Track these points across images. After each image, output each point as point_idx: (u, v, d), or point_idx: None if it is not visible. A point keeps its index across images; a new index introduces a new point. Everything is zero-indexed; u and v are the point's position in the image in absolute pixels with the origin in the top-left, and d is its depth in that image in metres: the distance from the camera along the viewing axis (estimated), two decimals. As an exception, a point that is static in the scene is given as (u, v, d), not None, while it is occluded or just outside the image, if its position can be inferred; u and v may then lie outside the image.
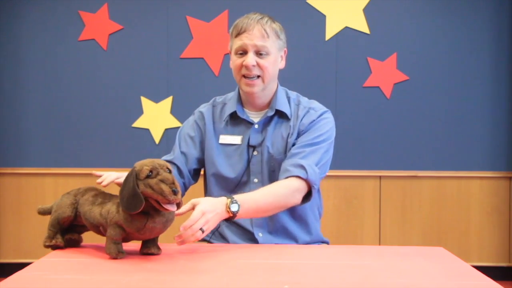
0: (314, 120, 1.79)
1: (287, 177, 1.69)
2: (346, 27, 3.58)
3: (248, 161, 1.79)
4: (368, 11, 3.58)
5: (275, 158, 1.78)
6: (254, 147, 1.79)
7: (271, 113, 1.80)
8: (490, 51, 3.59)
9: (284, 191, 1.67)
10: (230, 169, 1.80)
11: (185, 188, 1.87)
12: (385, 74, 3.58)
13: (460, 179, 3.60)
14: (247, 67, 1.73)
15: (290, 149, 1.77)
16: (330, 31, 3.58)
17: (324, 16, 3.58)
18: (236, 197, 1.57)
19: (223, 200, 1.55)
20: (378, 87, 3.59)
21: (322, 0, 3.58)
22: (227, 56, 3.57)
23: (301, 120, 1.80)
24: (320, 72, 3.59)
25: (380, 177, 3.60)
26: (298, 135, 1.79)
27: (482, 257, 3.59)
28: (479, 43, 3.59)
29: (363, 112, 3.59)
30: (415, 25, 3.59)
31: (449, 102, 3.59)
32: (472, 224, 3.60)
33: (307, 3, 3.57)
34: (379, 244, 3.56)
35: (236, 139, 1.81)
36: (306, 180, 1.68)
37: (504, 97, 3.60)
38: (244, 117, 1.81)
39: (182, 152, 1.86)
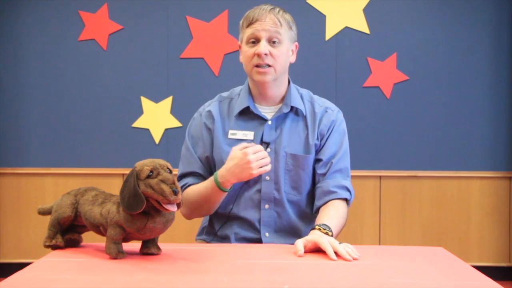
0: (333, 121, 1.81)
1: (333, 199, 1.74)
2: (346, 27, 3.59)
3: None
4: (368, 11, 3.58)
5: (295, 156, 1.76)
6: (267, 144, 1.76)
7: (286, 109, 1.77)
8: (490, 51, 3.59)
9: (346, 216, 1.74)
10: None
11: None
12: (385, 74, 3.58)
13: (460, 179, 3.60)
14: (259, 55, 1.69)
15: (312, 148, 1.77)
16: (330, 31, 3.58)
17: (324, 16, 3.58)
18: (326, 226, 1.56)
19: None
20: (378, 87, 3.59)
21: (322, 0, 3.58)
22: (227, 56, 3.57)
23: (320, 120, 1.80)
24: (320, 72, 3.59)
25: (380, 177, 3.60)
26: (320, 136, 1.79)
27: (482, 257, 3.59)
28: (479, 43, 3.59)
29: (363, 112, 3.59)
30: (415, 25, 3.59)
31: (449, 102, 3.59)
32: (472, 224, 3.60)
33: (307, 3, 3.58)
34: (379, 244, 3.56)
35: (248, 135, 1.77)
36: (348, 201, 1.77)
37: (504, 97, 3.60)
38: (257, 112, 1.77)
39: (199, 158, 1.82)
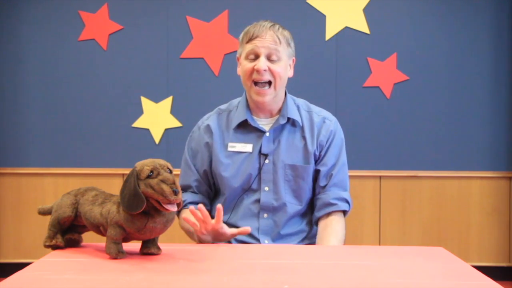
0: (332, 131, 1.84)
1: (333, 211, 1.79)
2: (346, 27, 3.59)
3: (259, 169, 1.78)
4: (368, 11, 3.58)
5: (294, 166, 1.78)
6: (266, 156, 1.78)
7: (283, 121, 1.80)
8: (490, 51, 3.59)
9: (344, 229, 1.82)
10: (238, 177, 1.78)
11: (210, 203, 1.88)
12: (385, 74, 3.58)
13: (460, 179, 3.60)
14: (258, 71, 1.72)
15: (312, 158, 1.79)
16: (330, 31, 3.58)
17: (324, 16, 3.58)
18: None
19: None
20: (378, 87, 3.59)
21: (322, 0, 3.58)
22: (227, 56, 3.57)
23: (319, 130, 1.82)
24: (320, 72, 3.59)
25: (380, 177, 3.60)
26: (319, 147, 1.82)
27: (482, 257, 3.59)
28: (479, 43, 3.59)
29: (363, 112, 3.59)
30: (415, 25, 3.59)
31: (449, 102, 3.59)
32: (472, 224, 3.60)
33: (307, 3, 3.57)
34: (379, 244, 3.56)
35: (246, 147, 1.80)
36: (347, 212, 1.84)
37: (504, 97, 3.60)
38: (255, 125, 1.80)
39: (197, 170, 1.85)
